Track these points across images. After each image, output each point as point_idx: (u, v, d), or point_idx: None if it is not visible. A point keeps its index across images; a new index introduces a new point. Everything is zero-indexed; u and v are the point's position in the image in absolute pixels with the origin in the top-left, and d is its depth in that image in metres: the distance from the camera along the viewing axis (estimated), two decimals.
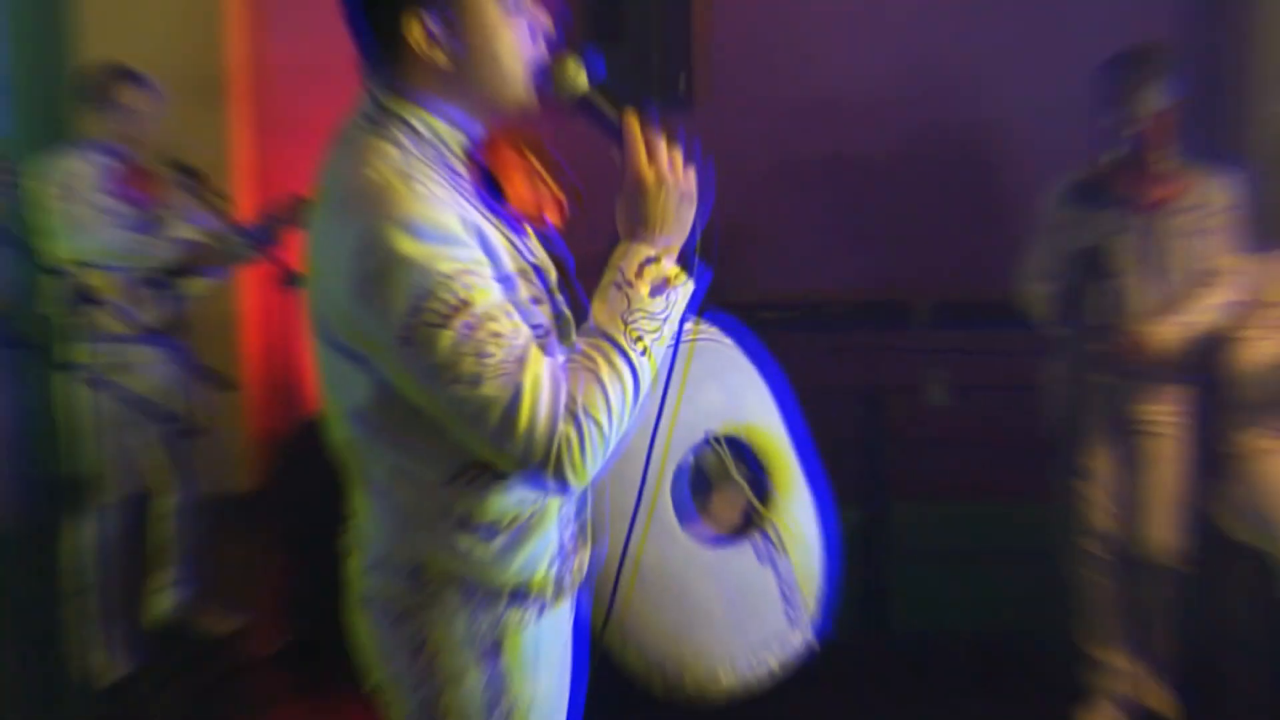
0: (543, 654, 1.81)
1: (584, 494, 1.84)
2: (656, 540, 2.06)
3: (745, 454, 2.18)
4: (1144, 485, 3.72)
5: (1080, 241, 3.58)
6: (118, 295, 4.16)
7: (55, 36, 5.89)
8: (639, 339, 1.62)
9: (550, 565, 1.79)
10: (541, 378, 1.53)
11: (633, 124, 1.67)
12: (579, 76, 1.70)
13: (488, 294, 1.54)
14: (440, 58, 1.64)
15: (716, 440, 2.15)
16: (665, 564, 2.07)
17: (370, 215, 1.52)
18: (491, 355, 1.51)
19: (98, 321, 4.04)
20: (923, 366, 4.51)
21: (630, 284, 1.63)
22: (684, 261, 1.69)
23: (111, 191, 4.21)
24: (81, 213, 4.11)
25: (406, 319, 1.50)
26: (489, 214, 1.66)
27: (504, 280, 1.60)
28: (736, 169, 5.46)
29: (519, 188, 1.73)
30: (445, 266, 1.51)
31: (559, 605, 1.83)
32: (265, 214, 4.38)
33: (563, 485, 1.59)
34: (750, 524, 2.15)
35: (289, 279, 4.33)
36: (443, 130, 1.68)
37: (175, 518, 4.54)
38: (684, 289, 1.68)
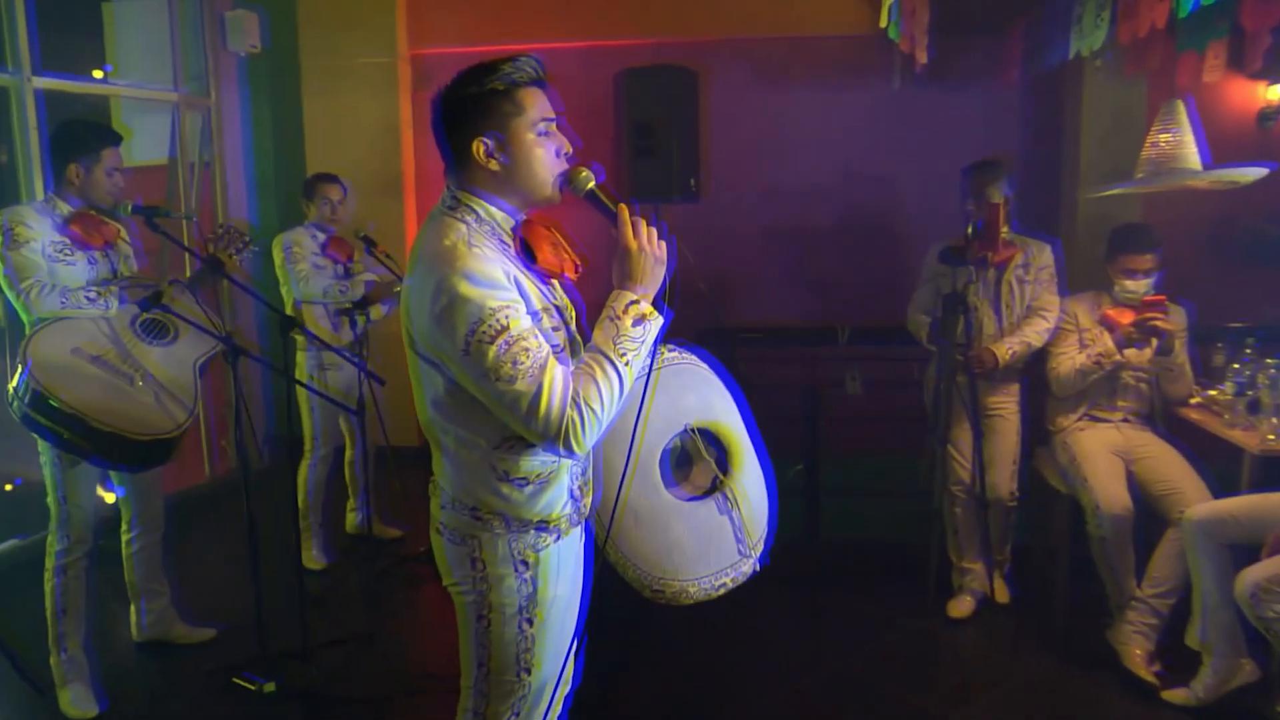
0: (562, 567, 1.81)
1: (586, 459, 1.84)
2: (648, 494, 2.01)
3: (712, 441, 2.12)
4: (991, 449, 3.61)
5: (948, 287, 3.49)
6: (324, 322, 4.14)
7: (294, 149, 5.84)
8: (623, 355, 1.62)
9: (564, 506, 1.78)
10: (556, 379, 1.57)
11: (623, 211, 1.69)
12: (588, 180, 1.72)
13: (520, 323, 1.57)
14: (494, 166, 1.68)
15: (693, 431, 2.10)
16: (654, 510, 2.02)
17: (444, 269, 1.58)
18: (522, 363, 1.56)
19: (307, 340, 4.03)
20: (844, 369, 4.41)
21: (619, 318, 1.64)
22: (657, 304, 1.69)
23: (321, 254, 4.15)
24: (302, 268, 4.07)
25: (466, 338, 1.56)
26: (524, 270, 1.68)
27: (533, 314, 1.63)
28: (729, 236, 5.43)
29: (547, 253, 1.73)
30: (492, 304, 1.57)
31: (570, 533, 1.82)
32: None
33: (570, 452, 1.62)
34: (715, 487, 2.09)
35: None
36: (496, 215, 1.71)
37: (357, 464, 4.47)
38: (654, 322, 1.67)
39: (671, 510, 2.05)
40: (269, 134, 6.01)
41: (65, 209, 2.98)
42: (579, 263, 1.82)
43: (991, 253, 3.40)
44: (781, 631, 3.62)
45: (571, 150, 1.71)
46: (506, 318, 1.57)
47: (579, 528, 1.84)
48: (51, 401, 2.62)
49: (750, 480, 2.13)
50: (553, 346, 1.63)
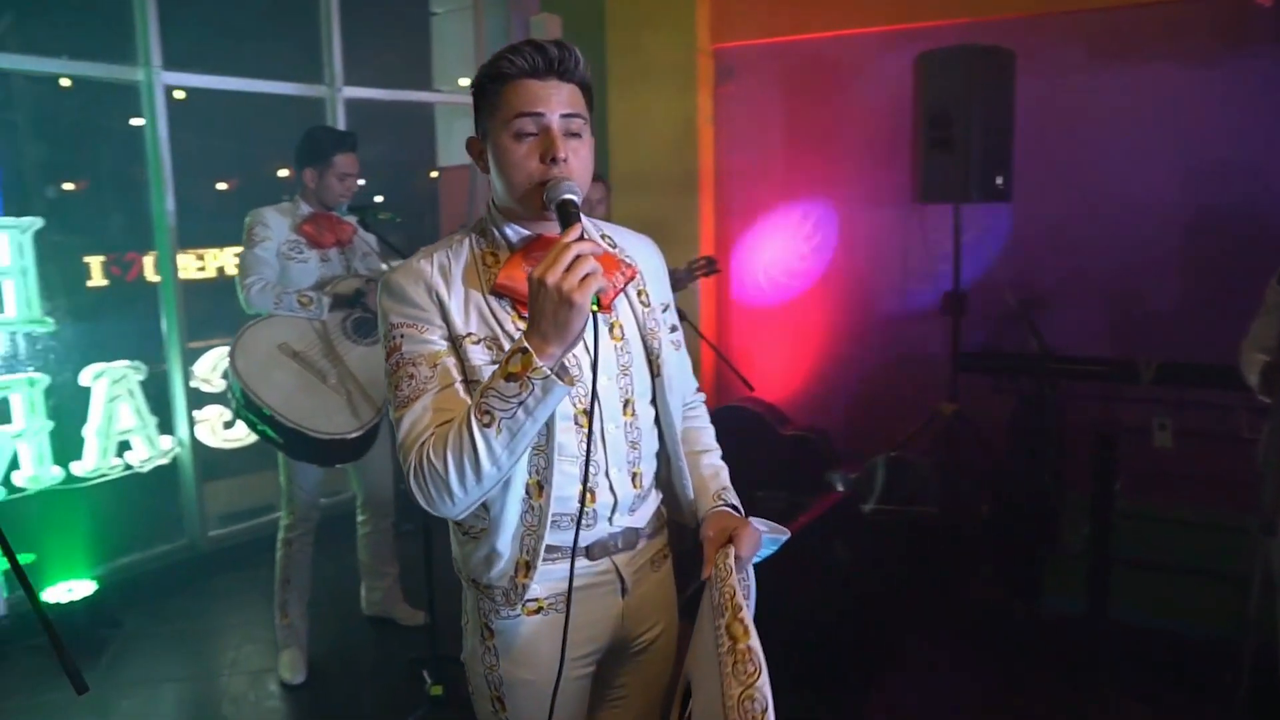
0: (526, 646, 1.50)
1: (532, 528, 1.45)
2: None
3: None
4: None
5: None
6: None
7: (598, 149, 5.92)
8: (486, 413, 1.28)
9: (501, 577, 1.46)
10: (413, 417, 1.36)
11: (563, 234, 1.29)
12: (559, 193, 1.36)
13: (409, 346, 1.40)
14: (484, 169, 1.47)
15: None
16: None
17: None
18: (401, 390, 1.39)
19: None
20: (1150, 413, 3.49)
21: (500, 365, 1.29)
22: (556, 365, 1.29)
23: None
24: None
25: (383, 344, 1.45)
26: (486, 295, 1.43)
27: (451, 340, 1.40)
28: (1035, 243, 4.61)
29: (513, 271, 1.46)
30: (393, 318, 1.43)
31: (528, 613, 1.49)
32: (672, 270, 4.08)
33: (425, 500, 1.34)
34: None
35: (679, 317, 4.05)
36: (500, 228, 1.49)
37: None
38: (543, 384, 1.26)
39: None
40: None
41: (304, 210, 3.18)
42: (635, 271, 1.54)
43: None
44: None
45: (563, 156, 1.38)
46: (400, 336, 1.40)
47: (545, 615, 1.49)
48: (249, 394, 2.78)
49: None
50: (465, 382, 1.39)
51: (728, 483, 1.64)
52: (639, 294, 1.58)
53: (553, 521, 1.44)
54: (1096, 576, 3.42)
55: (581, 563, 1.49)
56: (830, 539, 3.61)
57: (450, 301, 1.40)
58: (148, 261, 4.43)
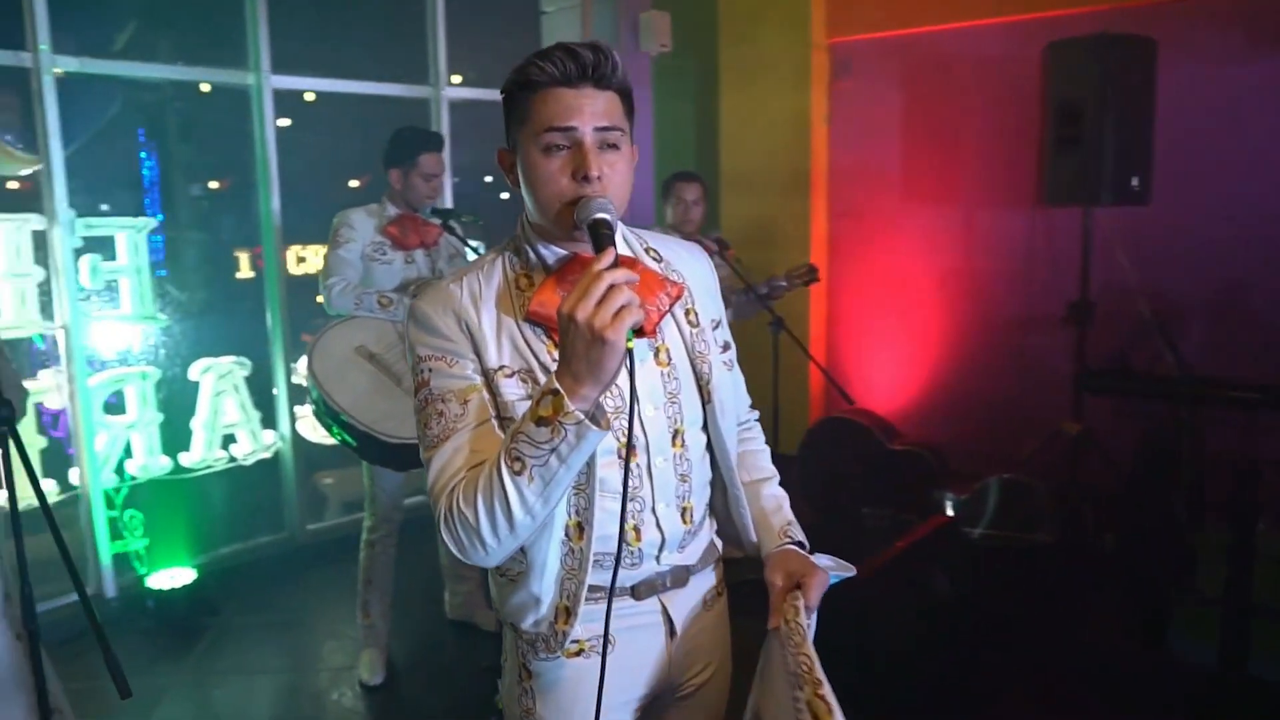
0: (564, 696, 1.39)
1: (572, 572, 1.34)
2: None
3: None
4: None
5: None
6: None
7: (708, 149, 5.82)
8: (517, 459, 1.16)
9: (534, 624, 1.36)
10: (443, 459, 1.26)
11: (596, 260, 1.15)
12: (591, 212, 1.23)
13: (439, 381, 1.29)
14: (514, 182, 1.34)
15: None
16: None
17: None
18: (430, 429, 1.28)
19: None
20: None
21: (530, 407, 1.17)
22: (591, 407, 1.16)
23: None
24: None
25: (411, 377, 1.35)
26: (520, 323, 1.31)
27: (483, 373, 1.29)
28: (1171, 257, 4.20)
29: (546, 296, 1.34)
30: (421, 350, 1.31)
31: (570, 656, 1.38)
32: (771, 279, 3.91)
33: (457, 548, 1.23)
34: None
35: (778, 325, 3.88)
36: (533, 245, 1.36)
37: None
38: (576, 429, 1.14)
39: None
40: (676, 134, 6.02)
41: (390, 211, 3.16)
42: (681, 290, 1.39)
43: None
44: None
45: (596, 173, 1.24)
46: (429, 370, 1.30)
47: (589, 659, 1.38)
48: (324, 397, 2.77)
49: None
50: (497, 418, 1.28)
51: (791, 515, 1.52)
52: (687, 313, 1.44)
53: (595, 561, 1.33)
54: (1233, 626, 3.05)
55: (626, 603, 1.39)
56: (931, 566, 3.36)
57: (481, 331, 1.29)
58: (289, 255, 4.55)
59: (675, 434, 1.39)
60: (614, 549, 1.30)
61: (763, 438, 1.66)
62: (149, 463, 3.87)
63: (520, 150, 1.30)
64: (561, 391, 1.13)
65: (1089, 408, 4.03)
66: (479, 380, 1.29)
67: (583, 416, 1.13)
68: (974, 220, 4.94)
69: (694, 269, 1.50)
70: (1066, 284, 4.19)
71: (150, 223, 3.82)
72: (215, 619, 3.79)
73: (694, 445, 1.42)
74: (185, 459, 3.98)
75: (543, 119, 1.25)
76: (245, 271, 5.07)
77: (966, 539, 3.92)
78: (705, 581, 1.50)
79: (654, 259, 1.46)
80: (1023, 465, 4.13)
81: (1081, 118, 3.91)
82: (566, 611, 1.32)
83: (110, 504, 3.77)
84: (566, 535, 1.31)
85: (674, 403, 1.38)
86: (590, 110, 1.25)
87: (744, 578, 1.69)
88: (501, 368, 1.29)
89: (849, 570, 1.40)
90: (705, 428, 1.44)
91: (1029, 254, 4.68)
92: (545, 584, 1.31)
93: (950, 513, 4.23)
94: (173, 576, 3.81)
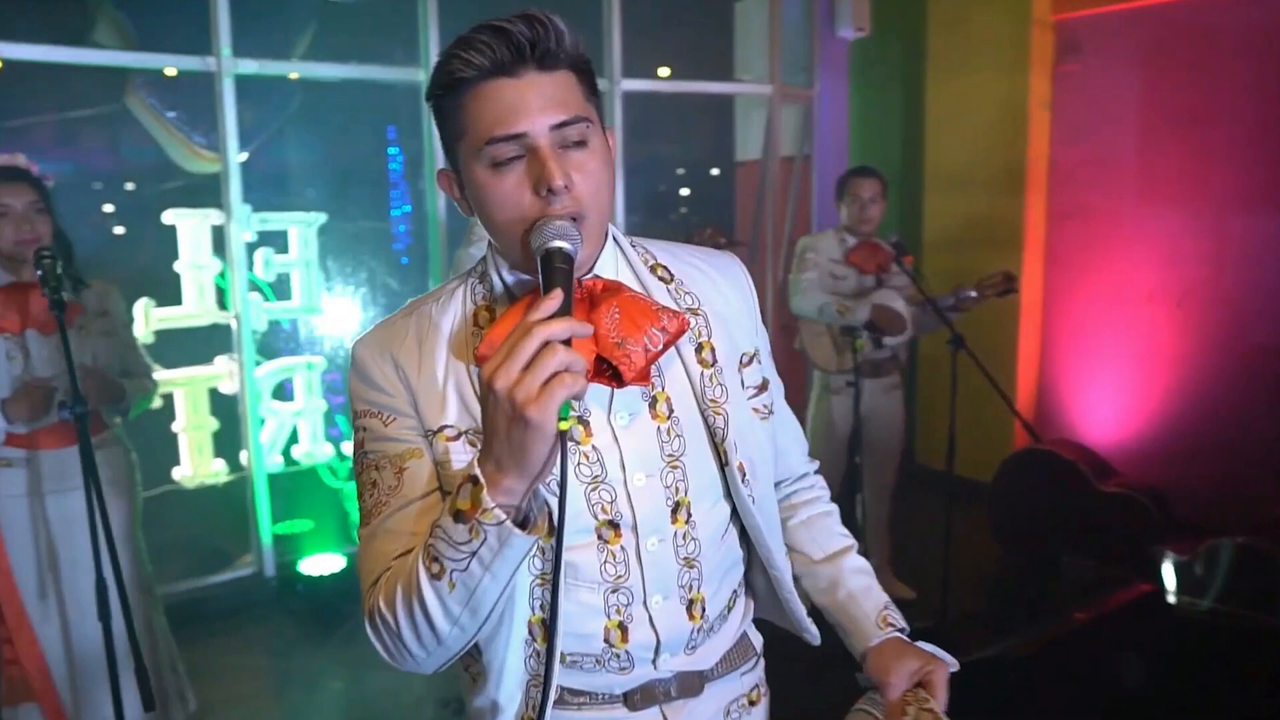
0: None
1: (542, 694, 1.02)
2: None
3: None
4: None
5: None
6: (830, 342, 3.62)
7: (913, 139, 5.28)
8: (435, 560, 0.91)
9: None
10: (376, 546, 1.03)
11: (533, 306, 0.87)
12: (539, 240, 0.96)
13: (377, 444, 1.05)
14: (466, 210, 1.06)
15: None
16: None
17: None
18: (363, 501, 1.05)
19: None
20: None
21: (451, 497, 0.91)
22: (521, 501, 0.89)
23: (843, 262, 3.58)
24: (808, 277, 3.58)
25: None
26: (471, 369, 1.04)
27: (424, 435, 1.04)
28: None
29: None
30: (356, 405, 1.08)
31: None
32: (959, 288, 3.43)
33: (385, 654, 1.01)
34: None
35: (957, 342, 3.37)
36: (500, 275, 1.09)
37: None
38: (496, 532, 0.88)
39: None
40: (876, 127, 5.49)
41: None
42: (684, 320, 1.03)
43: None
44: None
45: (561, 183, 0.96)
46: (363, 430, 1.06)
47: None
48: None
49: None
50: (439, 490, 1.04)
51: (884, 594, 1.21)
52: (699, 349, 1.11)
53: (573, 662, 1.08)
54: None
55: (620, 712, 1.10)
56: (1123, 644, 2.76)
57: (420, 382, 1.04)
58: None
59: (677, 507, 1.08)
60: (597, 649, 1.05)
61: (827, 494, 1.32)
62: (313, 449, 3.97)
63: (463, 169, 1.02)
64: (481, 481, 0.87)
65: None
66: (420, 443, 1.04)
67: (504, 517, 0.87)
68: (1226, 226, 4.12)
69: (718, 289, 1.16)
70: None
71: (320, 218, 3.90)
72: (356, 608, 3.82)
73: (706, 521, 1.10)
74: (347, 448, 4.06)
75: (482, 127, 0.97)
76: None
77: (1179, 613, 3.22)
78: (730, 690, 1.18)
79: (661, 279, 1.14)
80: (1270, 527, 3.38)
81: None
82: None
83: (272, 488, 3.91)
84: (530, 634, 1.05)
85: (675, 468, 1.07)
86: (539, 103, 0.96)
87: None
88: (443, 429, 1.03)
89: (951, 665, 1.15)
90: (728, 495, 1.12)
91: None
92: (506, 691, 1.06)
93: (1168, 574, 3.52)
94: (323, 563, 3.89)
